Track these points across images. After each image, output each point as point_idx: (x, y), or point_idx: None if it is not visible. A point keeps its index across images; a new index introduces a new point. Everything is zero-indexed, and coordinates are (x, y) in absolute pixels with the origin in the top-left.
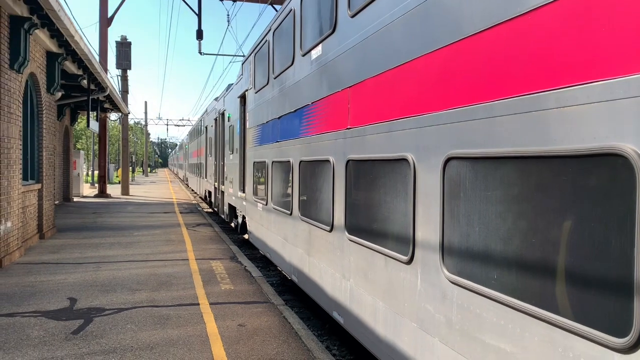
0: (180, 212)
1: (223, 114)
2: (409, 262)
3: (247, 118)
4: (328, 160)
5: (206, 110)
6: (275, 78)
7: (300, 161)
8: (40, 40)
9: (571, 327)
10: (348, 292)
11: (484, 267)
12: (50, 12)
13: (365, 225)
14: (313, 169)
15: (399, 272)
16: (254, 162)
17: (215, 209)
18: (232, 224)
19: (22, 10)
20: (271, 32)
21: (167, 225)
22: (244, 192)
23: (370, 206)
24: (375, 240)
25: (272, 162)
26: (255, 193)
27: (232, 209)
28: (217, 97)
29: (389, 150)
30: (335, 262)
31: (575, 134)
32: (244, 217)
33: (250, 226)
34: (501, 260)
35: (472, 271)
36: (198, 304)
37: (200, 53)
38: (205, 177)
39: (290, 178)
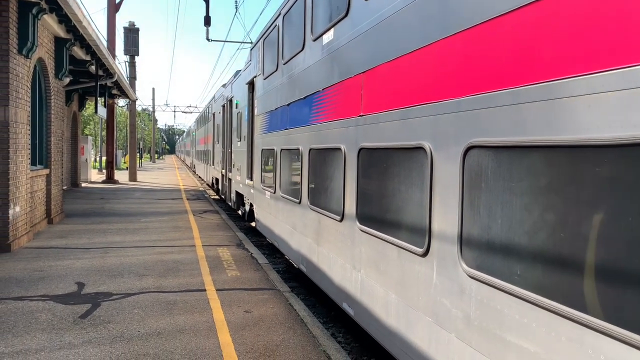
0: (187, 199)
1: (231, 101)
2: (424, 254)
3: (256, 105)
4: (339, 149)
5: (214, 97)
6: (284, 64)
7: (310, 149)
8: (49, 25)
9: (602, 327)
10: (359, 283)
11: (506, 262)
12: None
13: (377, 215)
14: (323, 157)
15: (413, 265)
16: (262, 150)
17: (223, 197)
18: (239, 212)
19: None
20: (281, 16)
21: (174, 212)
22: (251, 179)
23: (383, 196)
24: (388, 231)
25: (281, 149)
26: (263, 181)
27: (240, 196)
28: (225, 84)
29: (404, 139)
30: (345, 252)
31: (613, 122)
32: (251, 205)
33: (257, 214)
34: (526, 255)
35: (493, 266)
36: (205, 290)
37: (208, 39)
38: (213, 165)
39: (300, 166)
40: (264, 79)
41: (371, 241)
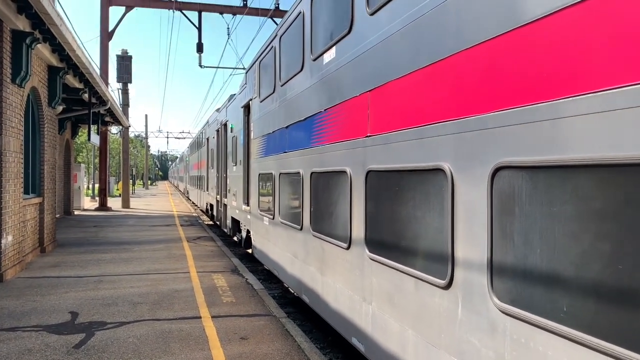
0: (181, 225)
1: (225, 125)
2: (447, 286)
3: (252, 128)
4: (344, 172)
5: (207, 122)
6: (282, 85)
7: (312, 173)
8: (42, 54)
9: None
10: (369, 317)
11: (549, 296)
12: (52, 26)
13: (389, 243)
14: (326, 181)
15: (433, 298)
16: (259, 174)
17: (218, 222)
18: (235, 238)
19: (24, 25)
20: (277, 37)
21: (168, 239)
22: (248, 205)
23: (395, 222)
24: (403, 261)
25: (280, 173)
26: (260, 206)
27: (236, 222)
28: (219, 108)
29: (420, 160)
30: (353, 283)
31: None
32: (248, 232)
33: (255, 241)
34: (575, 289)
35: (533, 300)
36: (200, 317)
37: (201, 66)
38: (207, 190)
39: (300, 191)
40: (261, 102)
41: (383, 271)
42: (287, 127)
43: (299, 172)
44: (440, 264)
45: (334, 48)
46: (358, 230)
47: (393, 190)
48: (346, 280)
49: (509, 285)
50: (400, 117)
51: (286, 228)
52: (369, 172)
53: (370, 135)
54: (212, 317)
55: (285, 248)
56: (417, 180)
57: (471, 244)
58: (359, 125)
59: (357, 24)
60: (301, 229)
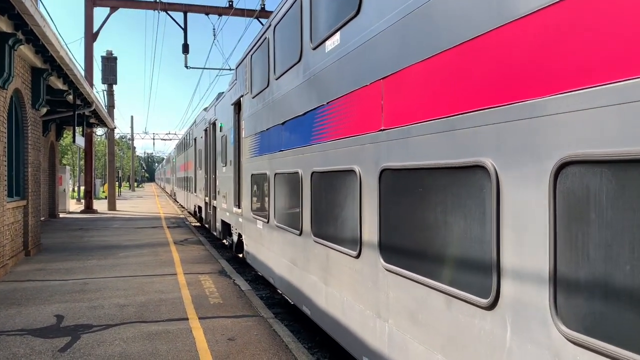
0: (168, 227)
1: (214, 124)
2: (491, 306)
3: (243, 127)
4: (352, 171)
5: (195, 122)
6: (277, 79)
7: (312, 172)
8: (25, 56)
9: None
10: (386, 335)
11: (632, 321)
12: (35, 27)
13: (411, 252)
14: (330, 182)
15: (472, 319)
16: (251, 175)
17: (207, 226)
18: (225, 242)
19: (6, 26)
20: (271, 28)
21: (154, 241)
22: (239, 207)
23: (418, 228)
24: (430, 274)
25: (275, 173)
26: (253, 209)
27: (226, 225)
28: (207, 107)
29: (451, 155)
30: (365, 296)
31: None
32: (239, 235)
33: (247, 245)
34: None
35: (618, 330)
36: (187, 319)
37: (187, 67)
38: (195, 192)
39: (300, 192)
40: (253, 98)
41: (403, 284)
42: (283, 123)
43: (297, 172)
44: (480, 278)
45: (337, 34)
46: (370, 236)
47: (415, 191)
48: (356, 293)
49: (582, 309)
50: (425, 106)
51: (283, 233)
52: (383, 171)
53: (384, 129)
54: (200, 318)
55: (282, 254)
56: (447, 180)
57: (524, 255)
58: (370, 118)
59: (366, 3)
60: (300, 234)
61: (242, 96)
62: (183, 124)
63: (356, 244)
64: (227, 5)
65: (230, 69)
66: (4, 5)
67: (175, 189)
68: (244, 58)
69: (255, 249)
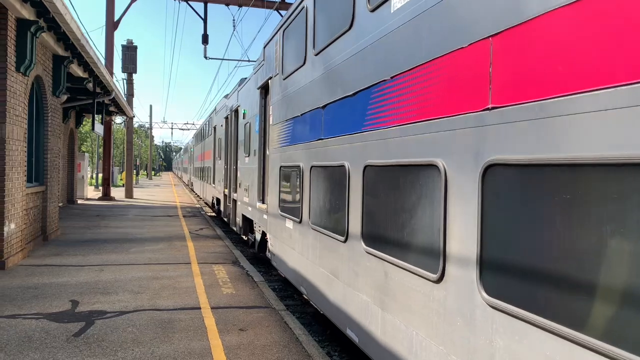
0: (184, 216)
1: (237, 111)
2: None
3: (271, 112)
4: (433, 165)
5: (215, 109)
6: (317, 55)
7: (365, 166)
8: (47, 43)
9: None
10: None
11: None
12: (57, 15)
13: (537, 277)
14: (392, 180)
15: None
16: (280, 167)
17: (225, 219)
18: (245, 238)
19: (29, 14)
20: None
21: (170, 230)
22: (264, 203)
23: (555, 246)
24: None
25: (312, 166)
26: (282, 206)
27: (248, 221)
28: (228, 94)
29: (626, 147)
30: (451, 337)
31: None
32: (264, 234)
33: (273, 246)
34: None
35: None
36: (200, 308)
37: (206, 57)
38: (213, 183)
39: (346, 190)
40: (284, 79)
41: (516, 327)
42: (324, 106)
43: (343, 165)
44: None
45: None
46: (460, 254)
47: (557, 197)
48: (433, 329)
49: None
50: (574, 73)
51: (321, 237)
52: (488, 168)
53: (495, 107)
54: (212, 308)
55: (318, 262)
56: (618, 182)
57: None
58: (470, 92)
59: None
60: (345, 240)
61: (270, 78)
62: (201, 115)
63: (437, 262)
64: None
65: (249, 61)
66: None
67: (193, 178)
68: (275, 34)
69: (282, 251)
